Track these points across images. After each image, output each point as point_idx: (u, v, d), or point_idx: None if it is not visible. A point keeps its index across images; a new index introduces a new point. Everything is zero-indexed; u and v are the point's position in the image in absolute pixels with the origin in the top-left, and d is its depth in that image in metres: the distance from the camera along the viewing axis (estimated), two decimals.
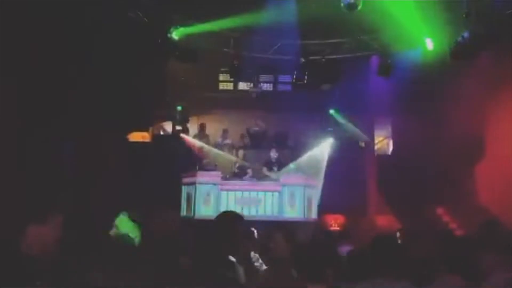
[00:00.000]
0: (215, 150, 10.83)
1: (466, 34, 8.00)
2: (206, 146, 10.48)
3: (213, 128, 11.80)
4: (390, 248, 2.70)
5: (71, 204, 7.37)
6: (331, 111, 11.77)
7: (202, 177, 9.30)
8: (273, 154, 9.93)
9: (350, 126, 11.63)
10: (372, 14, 8.75)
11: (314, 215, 9.48)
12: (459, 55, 8.89)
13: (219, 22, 9.13)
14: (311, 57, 10.61)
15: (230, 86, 12.14)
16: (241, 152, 10.22)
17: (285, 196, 9.27)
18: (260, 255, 3.46)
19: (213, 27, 9.28)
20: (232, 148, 10.74)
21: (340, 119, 11.68)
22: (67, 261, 2.51)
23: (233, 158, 9.99)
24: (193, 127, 11.80)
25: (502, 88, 8.79)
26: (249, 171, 9.78)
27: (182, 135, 10.96)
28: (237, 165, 9.78)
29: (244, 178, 9.66)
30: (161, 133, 12.49)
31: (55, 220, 2.73)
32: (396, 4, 8.51)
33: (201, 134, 11.56)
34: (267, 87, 12.27)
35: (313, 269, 2.53)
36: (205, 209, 9.14)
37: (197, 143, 10.69)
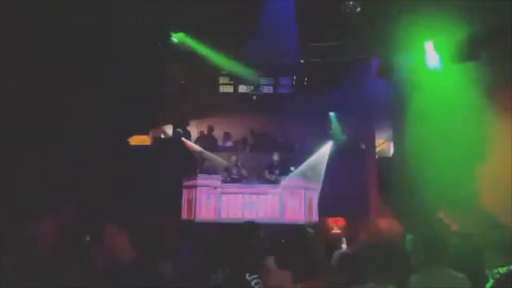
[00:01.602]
0: (216, 153, 10.83)
1: (466, 36, 8.01)
2: (204, 151, 10.43)
3: (214, 131, 11.80)
4: (386, 254, 2.69)
5: (71, 207, 7.36)
6: (332, 114, 11.75)
7: (202, 180, 9.31)
8: (276, 157, 9.94)
9: (350, 129, 11.60)
10: (373, 16, 8.77)
11: (314, 218, 9.48)
12: (459, 57, 8.91)
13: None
14: (311, 60, 10.66)
15: (230, 89, 12.13)
16: (238, 155, 10.20)
17: (286, 199, 9.27)
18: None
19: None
20: (234, 151, 10.73)
21: (340, 121, 11.66)
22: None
23: (232, 160, 9.96)
24: (193, 130, 11.80)
25: (503, 90, 8.77)
26: (244, 171, 9.78)
27: (182, 139, 10.94)
28: (234, 169, 9.76)
29: (245, 182, 9.64)
30: (162, 136, 12.49)
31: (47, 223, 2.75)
32: (397, 6, 8.52)
33: (208, 136, 11.56)
34: (267, 89, 12.26)
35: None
36: (206, 213, 9.14)
37: (196, 147, 10.66)
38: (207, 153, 10.50)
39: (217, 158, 10.50)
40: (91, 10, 8.04)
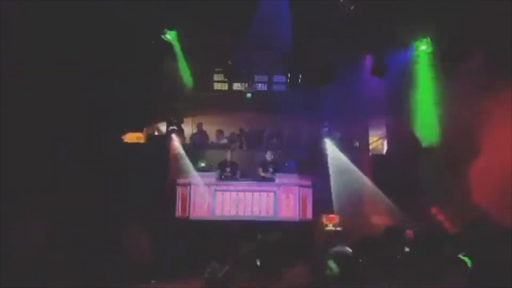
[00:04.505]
0: (211, 151, 10.83)
1: (460, 34, 8.07)
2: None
3: (208, 128, 11.78)
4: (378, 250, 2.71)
5: (65, 205, 7.34)
6: (326, 111, 11.77)
7: (197, 178, 9.30)
8: (269, 155, 9.96)
9: (344, 126, 11.63)
10: (366, 14, 8.80)
11: (309, 215, 9.51)
12: (453, 55, 8.97)
13: None
14: (305, 57, 10.67)
15: (225, 86, 12.12)
16: (233, 153, 10.19)
17: (280, 196, 9.30)
18: None
19: None
20: (227, 148, 10.72)
21: (334, 119, 11.67)
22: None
23: (225, 157, 9.95)
24: (187, 127, 11.76)
25: (497, 88, 8.84)
26: (238, 171, 9.79)
27: (174, 135, 10.83)
28: (228, 167, 9.76)
29: (239, 179, 9.65)
30: (156, 133, 12.44)
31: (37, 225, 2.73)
32: (390, 4, 8.56)
33: (200, 133, 11.54)
34: (262, 87, 12.27)
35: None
36: (200, 210, 9.15)
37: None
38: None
39: (212, 155, 10.48)
40: (85, 7, 7.99)
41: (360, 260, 2.88)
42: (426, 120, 9.80)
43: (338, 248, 3.38)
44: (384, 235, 3.76)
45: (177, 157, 10.01)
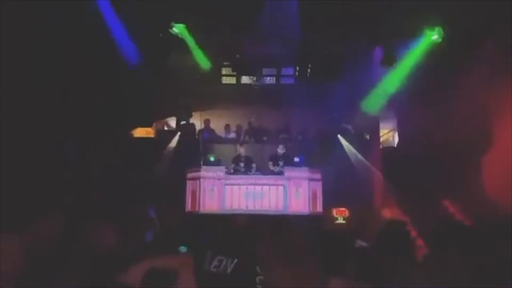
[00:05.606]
0: (219, 145, 10.83)
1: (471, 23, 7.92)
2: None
3: (217, 122, 11.76)
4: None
5: (74, 200, 7.40)
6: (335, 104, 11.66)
7: (206, 172, 9.32)
8: (280, 149, 9.92)
9: (354, 119, 11.53)
10: (376, 4, 8.66)
11: (319, 208, 9.47)
12: (463, 45, 8.81)
13: None
14: (314, 49, 10.58)
15: (233, 80, 12.06)
16: (244, 147, 10.16)
17: (290, 190, 9.27)
18: None
19: None
20: (236, 142, 10.71)
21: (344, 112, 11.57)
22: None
23: (238, 152, 9.93)
24: (196, 122, 11.77)
25: (509, 78, 8.67)
26: (254, 165, 9.77)
27: (180, 133, 10.87)
28: (242, 162, 9.73)
29: (249, 173, 9.64)
30: (165, 128, 12.47)
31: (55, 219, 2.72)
32: None
33: (207, 129, 11.55)
34: (270, 80, 12.19)
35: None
36: (210, 204, 9.17)
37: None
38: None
39: (221, 149, 10.50)
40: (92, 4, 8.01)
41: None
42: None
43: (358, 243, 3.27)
44: (385, 229, 3.64)
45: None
